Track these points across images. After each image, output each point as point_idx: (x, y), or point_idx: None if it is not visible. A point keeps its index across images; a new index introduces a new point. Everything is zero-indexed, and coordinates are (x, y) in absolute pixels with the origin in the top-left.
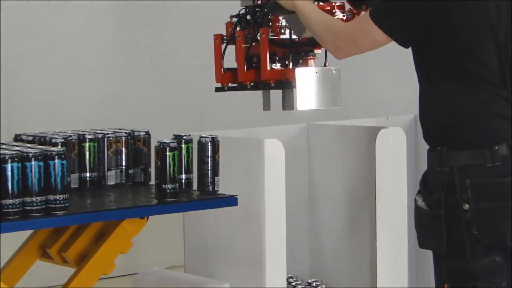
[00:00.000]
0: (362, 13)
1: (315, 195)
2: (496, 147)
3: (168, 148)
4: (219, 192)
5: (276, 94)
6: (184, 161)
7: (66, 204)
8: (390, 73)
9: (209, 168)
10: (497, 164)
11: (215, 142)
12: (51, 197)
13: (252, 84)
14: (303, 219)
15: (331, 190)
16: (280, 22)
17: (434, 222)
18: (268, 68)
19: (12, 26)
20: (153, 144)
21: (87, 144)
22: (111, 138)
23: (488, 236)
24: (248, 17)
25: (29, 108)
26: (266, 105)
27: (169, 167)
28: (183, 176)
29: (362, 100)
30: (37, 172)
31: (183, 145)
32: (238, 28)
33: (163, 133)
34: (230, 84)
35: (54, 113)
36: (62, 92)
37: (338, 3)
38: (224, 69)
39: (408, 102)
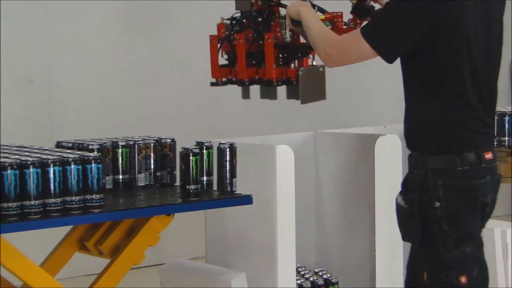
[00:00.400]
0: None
1: (321, 194)
2: (465, 154)
3: (191, 153)
4: (236, 192)
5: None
6: (205, 164)
7: (102, 203)
8: (388, 85)
9: (228, 171)
10: (466, 168)
11: (232, 148)
12: (88, 196)
13: (249, 81)
14: (310, 216)
15: (335, 191)
16: (281, 27)
17: (410, 218)
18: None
19: (58, 42)
20: (178, 150)
21: (120, 150)
22: (141, 144)
23: (456, 230)
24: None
25: (69, 118)
26: (246, 95)
27: (192, 170)
28: (205, 178)
29: (363, 111)
30: (76, 175)
31: (204, 151)
32: (232, 31)
33: (187, 140)
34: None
35: (91, 122)
36: (98, 103)
37: (338, 13)
38: (219, 66)
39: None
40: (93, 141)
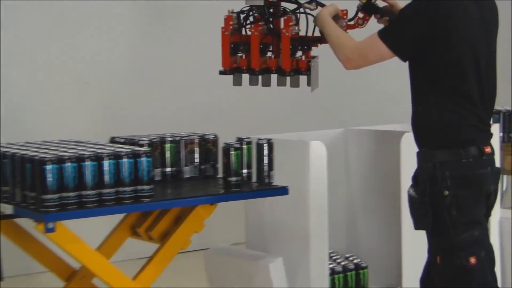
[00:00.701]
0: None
1: (351, 186)
2: (469, 147)
3: (232, 148)
4: (273, 183)
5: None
6: (245, 158)
7: (152, 193)
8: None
9: (265, 164)
10: (470, 160)
11: (270, 143)
12: (139, 187)
13: (260, 70)
14: (341, 206)
15: (364, 183)
16: (293, 22)
17: (422, 207)
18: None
19: (111, 49)
20: (220, 145)
21: (167, 145)
22: (186, 140)
23: (464, 216)
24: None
25: (122, 116)
26: (237, 82)
27: (233, 164)
28: (245, 170)
29: (390, 109)
30: (128, 167)
31: (244, 146)
32: (243, 23)
33: (228, 135)
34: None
35: (141, 120)
36: (148, 102)
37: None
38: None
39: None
40: (144, 137)
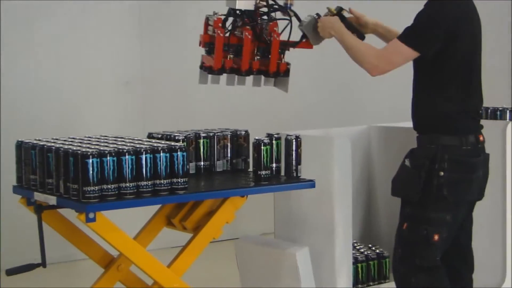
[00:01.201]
0: None
1: (373, 181)
2: (468, 136)
3: (262, 143)
4: (301, 177)
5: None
6: (274, 153)
7: (186, 186)
8: None
9: (294, 159)
10: (468, 147)
11: (298, 139)
12: (174, 180)
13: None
14: (364, 199)
15: (385, 177)
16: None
17: (414, 178)
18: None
19: (151, 50)
20: (251, 140)
21: (201, 140)
22: (219, 135)
23: (453, 196)
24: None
25: (159, 113)
26: (203, 81)
27: (263, 158)
28: (274, 165)
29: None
30: (165, 161)
31: (274, 141)
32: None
33: (259, 131)
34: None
35: (177, 116)
36: (183, 100)
37: None
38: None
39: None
40: (179, 133)
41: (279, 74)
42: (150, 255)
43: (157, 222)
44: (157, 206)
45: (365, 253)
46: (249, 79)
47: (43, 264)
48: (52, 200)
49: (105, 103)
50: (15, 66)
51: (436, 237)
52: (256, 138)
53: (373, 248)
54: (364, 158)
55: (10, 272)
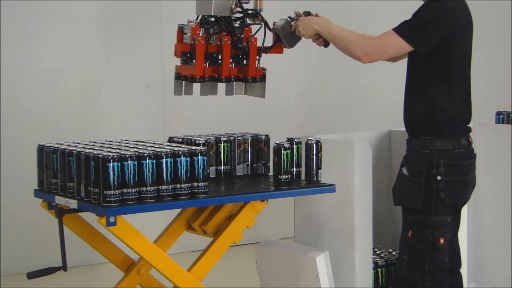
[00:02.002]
0: None
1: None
2: (460, 139)
3: (283, 148)
4: (321, 181)
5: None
6: (295, 157)
7: (206, 190)
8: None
9: (314, 163)
10: (461, 150)
11: (318, 143)
12: (195, 184)
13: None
14: (385, 204)
15: None
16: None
17: (415, 186)
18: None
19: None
20: (271, 144)
21: (222, 145)
22: (240, 139)
23: (451, 199)
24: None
25: (179, 117)
26: (178, 92)
27: (284, 162)
28: (294, 169)
29: None
30: (185, 165)
31: (294, 146)
32: (202, 32)
33: (279, 136)
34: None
35: (198, 120)
36: (203, 104)
37: None
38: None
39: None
40: (199, 137)
41: (256, 80)
42: (170, 259)
43: (177, 226)
44: (178, 210)
45: (385, 258)
46: (221, 88)
47: (64, 267)
48: (73, 203)
49: (126, 107)
50: (32, 68)
51: (442, 241)
52: (277, 142)
53: (393, 253)
54: (385, 163)
55: (31, 275)
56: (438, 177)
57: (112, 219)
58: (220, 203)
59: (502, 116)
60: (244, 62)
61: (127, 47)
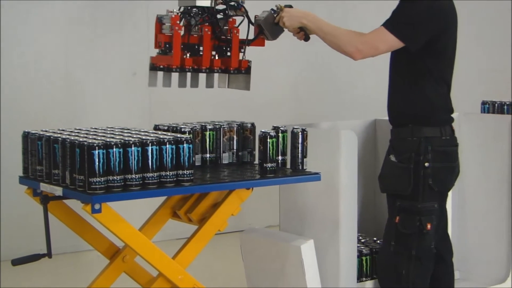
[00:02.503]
0: None
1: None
2: (445, 126)
3: (268, 136)
4: (306, 170)
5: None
6: (280, 146)
7: (192, 177)
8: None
9: (300, 151)
10: (447, 137)
11: (304, 132)
12: (180, 172)
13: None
14: (369, 192)
15: None
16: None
17: (404, 172)
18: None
19: None
20: (257, 133)
21: (207, 133)
22: (225, 128)
23: (438, 185)
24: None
25: (165, 105)
26: (153, 83)
27: (269, 151)
28: (280, 157)
29: None
30: (171, 153)
31: (280, 134)
32: (183, 22)
33: (265, 124)
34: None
35: (184, 109)
36: (190, 92)
37: None
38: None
39: (454, 102)
40: (185, 125)
41: (241, 72)
42: (155, 247)
43: (162, 214)
44: (163, 198)
45: (370, 246)
46: (202, 80)
47: (49, 254)
48: (58, 191)
49: (111, 95)
50: (17, 56)
51: (429, 226)
52: (262, 130)
53: (378, 241)
54: (371, 151)
55: (16, 262)
56: (426, 164)
57: (97, 206)
58: (206, 191)
59: (487, 105)
60: (228, 54)
61: (113, 34)
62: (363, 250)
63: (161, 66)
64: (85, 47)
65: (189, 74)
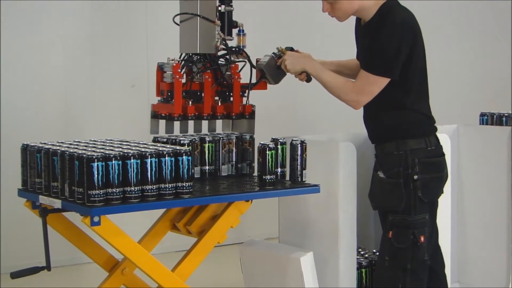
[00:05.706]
0: None
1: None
2: (430, 137)
3: (267, 148)
4: (306, 182)
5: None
6: (279, 158)
7: (191, 190)
8: (447, 88)
9: (299, 163)
10: (433, 148)
11: (303, 144)
12: (179, 184)
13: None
14: (369, 204)
15: None
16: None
17: (395, 188)
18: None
19: (157, 53)
20: (256, 145)
21: (206, 145)
22: (224, 140)
23: (427, 196)
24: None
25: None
26: (154, 131)
27: (268, 163)
28: (279, 169)
29: None
30: (170, 165)
31: (279, 146)
32: (184, 70)
33: (264, 136)
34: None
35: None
36: None
37: None
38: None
39: (453, 113)
40: (184, 137)
41: (244, 117)
42: (154, 259)
43: (161, 226)
44: (162, 210)
45: (369, 258)
46: (206, 123)
47: (48, 267)
48: (57, 203)
49: (110, 107)
50: (16, 67)
51: (422, 239)
52: (261, 142)
53: (377, 253)
54: (369, 163)
55: (15, 275)
56: (415, 176)
57: (96, 218)
58: (205, 203)
59: (486, 117)
60: (231, 99)
61: (112, 46)
62: (363, 262)
63: (163, 114)
64: (84, 60)
65: (191, 121)
